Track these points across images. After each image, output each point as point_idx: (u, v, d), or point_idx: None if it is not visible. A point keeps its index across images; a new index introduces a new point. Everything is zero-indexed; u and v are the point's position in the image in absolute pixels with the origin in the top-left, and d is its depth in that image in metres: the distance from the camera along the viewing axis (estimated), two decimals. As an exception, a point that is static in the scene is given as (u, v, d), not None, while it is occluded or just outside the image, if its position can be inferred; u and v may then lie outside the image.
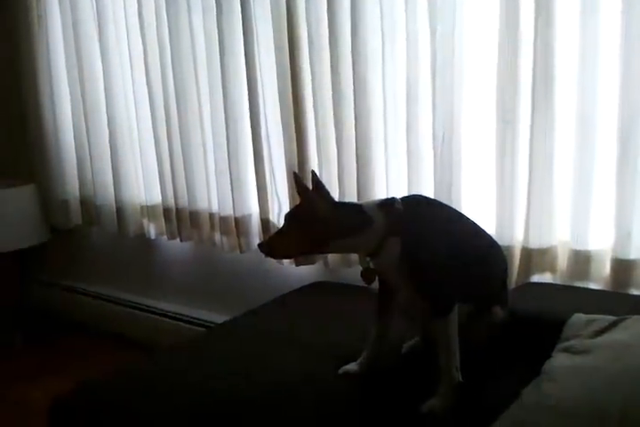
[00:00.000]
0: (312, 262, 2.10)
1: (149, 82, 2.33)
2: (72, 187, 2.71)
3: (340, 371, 1.37)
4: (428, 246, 1.26)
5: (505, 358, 1.35)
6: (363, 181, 1.89)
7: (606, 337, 1.19)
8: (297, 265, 2.12)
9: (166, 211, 2.43)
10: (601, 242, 1.61)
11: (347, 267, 2.00)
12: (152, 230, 2.52)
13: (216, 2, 2.08)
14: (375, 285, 1.37)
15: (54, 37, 2.58)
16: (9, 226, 2.63)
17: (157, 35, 2.26)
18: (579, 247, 1.63)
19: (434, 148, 1.76)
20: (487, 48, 1.67)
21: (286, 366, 1.41)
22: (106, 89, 2.46)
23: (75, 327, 2.85)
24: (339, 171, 1.94)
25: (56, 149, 2.69)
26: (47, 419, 1.39)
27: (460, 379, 1.24)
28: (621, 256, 1.56)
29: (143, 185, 2.50)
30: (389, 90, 1.82)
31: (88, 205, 2.69)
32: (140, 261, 2.72)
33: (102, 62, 2.45)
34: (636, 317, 1.24)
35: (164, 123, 2.32)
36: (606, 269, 1.61)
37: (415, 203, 1.33)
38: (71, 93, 2.61)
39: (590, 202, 1.60)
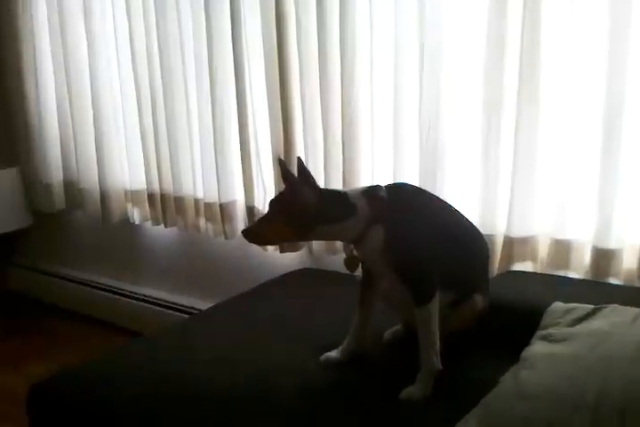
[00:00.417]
0: (296, 249, 2.10)
1: (135, 66, 2.30)
2: (55, 170, 2.68)
3: (322, 358, 1.38)
4: (411, 234, 1.26)
5: (484, 346, 1.37)
6: (348, 168, 1.89)
7: (584, 326, 1.21)
8: (281, 252, 2.12)
9: (151, 196, 2.42)
10: (582, 231, 1.62)
11: (331, 254, 2.00)
12: (136, 216, 2.51)
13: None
14: (359, 272, 1.38)
15: (39, 21, 2.54)
16: (-9, 210, 2.61)
17: (144, 20, 2.23)
18: (559, 236, 1.65)
19: (419, 135, 1.76)
20: (475, 37, 1.66)
21: (269, 353, 1.42)
22: (91, 72, 2.43)
23: (57, 312, 2.83)
24: (324, 158, 1.94)
25: (39, 132, 2.66)
26: (26, 405, 1.39)
27: (440, 366, 1.26)
28: (601, 246, 1.58)
29: (128, 169, 2.48)
30: (376, 77, 1.82)
31: (71, 189, 2.67)
32: (124, 246, 2.71)
33: (88, 45, 2.41)
34: (613, 306, 1.26)
35: (150, 107, 2.30)
36: (586, 258, 1.62)
37: (399, 191, 1.34)
38: (55, 76, 2.57)
39: (572, 192, 1.61)
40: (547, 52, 1.56)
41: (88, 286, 2.77)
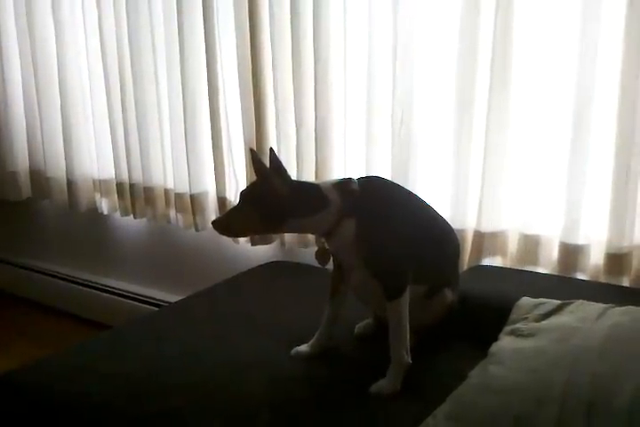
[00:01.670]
0: (268, 242, 2.09)
1: (104, 52, 2.25)
2: (21, 158, 2.63)
3: (292, 352, 1.38)
4: (382, 228, 1.26)
5: (454, 340, 1.38)
6: (321, 160, 1.88)
7: (552, 320, 1.22)
8: (253, 245, 2.11)
9: (119, 186, 2.38)
10: (550, 227, 1.64)
11: (303, 247, 2.00)
12: (104, 206, 2.47)
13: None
14: (330, 265, 1.37)
15: (5, 9, 2.47)
16: (-47, 198, 2.53)
17: (114, 8, 2.18)
18: (528, 232, 1.67)
19: (392, 129, 1.76)
20: (448, 30, 1.67)
21: (239, 347, 1.41)
22: (58, 57, 2.38)
23: (22, 304, 2.78)
24: (297, 149, 1.92)
25: (4, 119, 2.60)
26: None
27: (410, 361, 1.26)
28: (569, 241, 1.60)
29: (96, 158, 2.44)
30: (350, 69, 1.81)
31: (38, 178, 2.61)
32: (92, 237, 2.67)
33: (55, 30, 2.36)
34: (580, 301, 1.27)
35: (119, 95, 2.25)
36: (554, 253, 1.65)
37: (372, 184, 1.33)
38: (21, 64, 2.52)
39: (541, 187, 1.63)
40: (519, 50, 1.57)
41: (55, 277, 2.72)
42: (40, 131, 2.52)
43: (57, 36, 2.35)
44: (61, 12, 2.32)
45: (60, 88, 2.40)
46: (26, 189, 2.66)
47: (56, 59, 2.38)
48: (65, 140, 2.44)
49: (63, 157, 2.47)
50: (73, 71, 2.37)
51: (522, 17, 1.55)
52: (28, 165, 2.63)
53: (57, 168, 2.51)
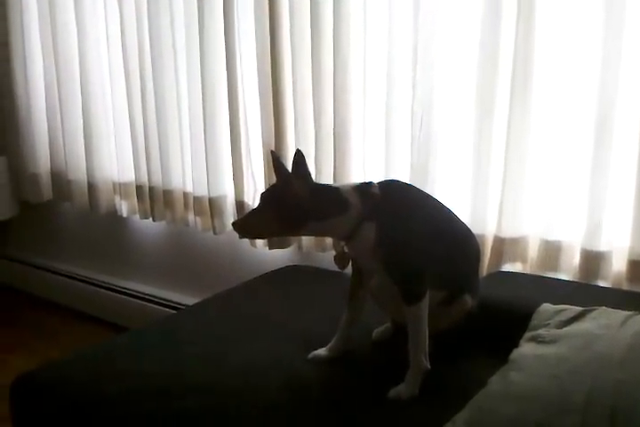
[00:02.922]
0: (286, 246, 2.09)
1: (125, 56, 2.28)
2: (43, 160, 2.66)
3: (310, 356, 1.37)
4: (402, 232, 1.25)
5: (473, 346, 1.36)
6: (339, 163, 1.88)
7: (573, 327, 1.21)
8: (270, 248, 2.10)
9: (139, 189, 2.39)
10: (572, 233, 1.62)
11: (321, 251, 1.99)
12: (124, 208, 2.48)
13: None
14: (348, 269, 1.37)
15: (28, 11, 2.50)
16: (-24, 199, 2.57)
17: (135, 6, 2.20)
18: (550, 238, 1.65)
19: (412, 131, 1.75)
20: (469, 32, 1.66)
21: (256, 350, 1.41)
22: (80, 63, 2.41)
23: (42, 305, 2.80)
24: (316, 152, 1.92)
25: (27, 122, 2.63)
26: (10, 397, 1.37)
27: (429, 366, 1.25)
28: (591, 248, 1.58)
29: (116, 161, 2.46)
30: (369, 71, 1.81)
31: (59, 180, 2.64)
32: (111, 239, 2.68)
33: (78, 34, 2.39)
34: (602, 308, 1.26)
35: (140, 98, 2.27)
36: (576, 260, 1.63)
37: (392, 188, 1.32)
38: (44, 67, 2.55)
39: (563, 193, 1.61)
40: (540, 51, 1.56)
41: (74, 278, 2.74)
42: (61, 134, 2.55)
43: (79, 38, 2.38)
44: (83, 12, 2.34)
45: (81, 92, 2.42)
46: (47, 192, 2.69)
47: (78, 63, 2.41)
48: (86, 143, 2.46)
49: (84, 160, 2.49)
50: (95, 75, 2.40)
51: (544, 19, 1.53)
52: (49, 167, 2.66)
53: (78, 171, 2.54)
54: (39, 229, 2.93)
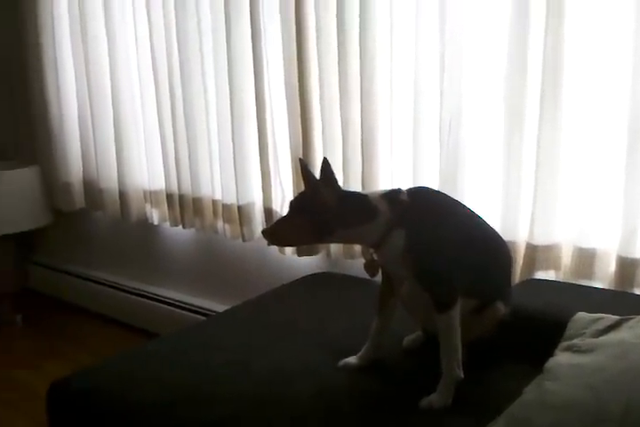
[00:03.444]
0: (315, 253, 2.09)
1: (155, 65, 2.31)
2: (75, 169, 2.70)
3: (340, 364, 1.37)
4: (432, 239, 1.24)
5: (506, 355, 1.34)
6: (367, 170, 1.88)
7: (610, 336, 1.18)
8: (299, 255, 2.11)
9: (169, 197, 2.42)
10: (606, 240, 1.59)
11: (349, 258, 1.99)
12: (155, 216, 2.51)
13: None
14: (377, 277, 1.36)
15: (60, 21, 2.56)
16: (11, 208, 2.63)
17: (164, 16, 2.23)
18: (584, 245, 1.62)
19: (440, 138, 1.74)
20: (497, 40, 1.64)
21: (285, 358, 1.41)
22: (111, 72, 2.45)
23: (75, 311, 2.85)
24: (343, 159, 1.92)
25: (60, 131, 2.68)
26: (45, 403, 1.39)
27: (462, 375, 1.23)
28: (626, 255, 1.55)
29: (147, 169, 2.49)
30: (397, 78, 1.80)
31: (91, 189, 2.68)
32: (142, 246, 2.72)
33: (108, 44, 2.43)
34: (639, 317, 1.22)
35: (169, 107, 2.30)
36: (611, 267, 1.59)
37: (421, 195, 1.31)
38: (76, 76, 2.60)
39: (596, 198, 1.58)
40: (570, 57, 1.53)
41: (105, 285, 2.78)
42: (93, 143, 2.59)
43: (109, 47, 2.42)
44: (113, 22, 2.38)
45: (112, 101, 2.46)
46: (79, 200, 2.73)
47: (109, 73, 2.45)
48: (117, 152, 2.50)
49: (115, 169, 2.53)
50: (125, 85, 2.43)
51: (573, 27, 1.51)
52: (81, 176, 2.70)
53: (109, 179, 2.57)
54: (71, 237, 2.98)
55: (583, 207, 1.60)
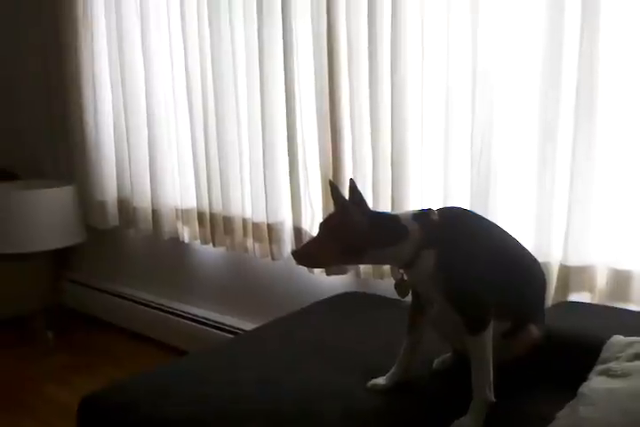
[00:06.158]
0: (343, 273, 2.09)
1: (189, 86, 2.36)
2: (110, 188, 2.76)
3: (369, 384, 1.35)
4: (464, 260, 1.23)
5: (539, 379, 1.31)
6: (397, 190, 1.88)
7: (647, 361, 1.15)
8: (328, 274, 2.10)
9: (200, 215, 2.45)
10: (643, 262, 1.56)
11: (378, 278, 1.98)
12: (186, 234, 2.54)
13: (257, 12, 2.09)
14: (407, 297, 1.35)
15: (98, 41, 2.64)
16: (47, 226, 2.68)
17: (199, 38, 2.28)
18: (619, 266, 1.58)
19: (471, 158, 1.74)
20: (530, 56, 1.64)
21: (313, 377, 1.40)
22: (147, 93, 2.51)
23: (106, 328, 2.88)
24: (373, 178, 1.92)
25: (96, 151, 2.75)
26: (76, 418, 1.41)
27: (493, 398, 1.21)
28: (664, 277, 1.51)
29: (179, 188, 2.53)
30: (427, 97, 1.81)
31: (125, 207, 2.73)
32: (174, 264, 2.75)
33: (144, 66, 2.49)
34: (678, 341, 1.19)
35: (202, 128, 2.34)
36: (647, 290, 1.56)
37: (452, 215, 1.31)
38: (112, 96, 2.67)
39: (632, 219, 1.55)
40: (604, 71, 1.52)
41: (138, 302, 2.81)
42: (128, 163, 2.65)
43: (145, 70, 2.48)
44: (149, 45, 2.45)
45: (147, 122, 2.52)
46: (113, 218, 2.78)
47: (144, 94, 2.51)
48: (150, 171, 2.55)
49: (149, 188, 2.58)
50: (160, 106, 2.49)
51: (608, 42, 1.50)
52: (116, 195, 2.76)
53: (143, 198, 2.62)
54: (105, 255, 3.03)
55: (618, 228, 1.58)
